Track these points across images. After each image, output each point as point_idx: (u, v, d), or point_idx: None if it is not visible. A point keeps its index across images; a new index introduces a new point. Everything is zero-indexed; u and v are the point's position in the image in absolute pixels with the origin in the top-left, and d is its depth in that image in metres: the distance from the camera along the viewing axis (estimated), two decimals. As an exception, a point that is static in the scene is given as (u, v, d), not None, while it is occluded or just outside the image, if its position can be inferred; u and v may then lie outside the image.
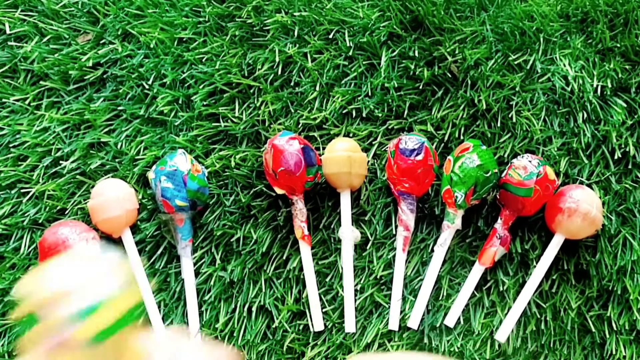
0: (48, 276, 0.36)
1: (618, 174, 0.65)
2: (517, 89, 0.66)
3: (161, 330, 0.59)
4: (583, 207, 0.60)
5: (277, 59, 0.68)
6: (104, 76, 0.70)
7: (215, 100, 0.68)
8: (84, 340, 0.34)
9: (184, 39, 0.70)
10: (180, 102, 0.68)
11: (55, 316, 0.34)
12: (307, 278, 0.64)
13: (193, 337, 0.63)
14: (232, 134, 0.68)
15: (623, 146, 0.65)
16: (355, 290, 0.64)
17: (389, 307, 0.64)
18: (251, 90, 0.68)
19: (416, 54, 0.67)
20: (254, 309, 0.64)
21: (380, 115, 0.67)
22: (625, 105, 0.65)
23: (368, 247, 0.65)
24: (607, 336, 0.62)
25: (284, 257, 0.65)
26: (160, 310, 0.64)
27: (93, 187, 0.65)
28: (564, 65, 0.66)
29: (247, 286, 0.64)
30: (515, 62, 0.67)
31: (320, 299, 0.64)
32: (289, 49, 0.68)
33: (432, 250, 0.64)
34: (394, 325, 0.63)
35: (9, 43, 0.71)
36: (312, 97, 0.68)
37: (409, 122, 0.67)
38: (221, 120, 0.68)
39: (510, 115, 0.66)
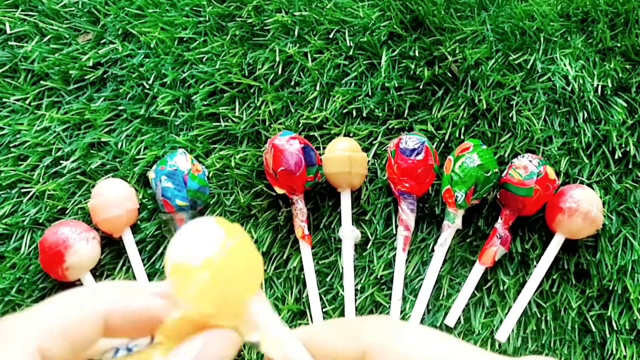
0: None
1: (618, 174, 0.65)
2: (517, 88, 0.66)
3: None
4: (583, 207, 0.60)
5: (277, 59, 0.68)
6: (105, 76, 0.70)
7: (215, 100, 0.68)
8: None
9: (185, 39, 0.70)
10: (180, 101, 0.68)
11: None
12: (308, 278, 0.64)
13: None
14: (233, 134, 0.68)
15: (623, 146, 0.65)
16: (356, 290, 0.64)
17: (389, 306, 0.64)
18: (251, 90, 0.68)
19: (416, 54, 0.67)
20: (254, 308, 0.64)
21: (380, 115, 0.67)
22: (625, 105, 0.65)
23: (368, 247, 0.65)
24: (608, 336, 0.62)
25: (284, 257, 0.65)
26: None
27: (93, 186, 0.65)
28: (565, 65, 0.66)
29: (248, 286, 0.64)
30: (516, 62, 0.67)
31: (321, 299, 0.64)
32: (289, 49, 0.68)
33: (433, 250, 0.64)
34: (394, 325, 0.63)
35: (9, 43, 0.71)
36: (313, 97, 0.68)
37: (410, 122, 0.67)
38: (221, 120, 0.68)
39: (510, 115, 0.66)
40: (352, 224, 0.65)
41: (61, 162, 0.67)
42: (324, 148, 0.66)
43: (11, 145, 0.68)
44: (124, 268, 0.65)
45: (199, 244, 0.28)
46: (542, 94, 0.66)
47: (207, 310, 0.28)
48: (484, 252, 0.63)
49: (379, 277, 0.64)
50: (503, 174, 0.63)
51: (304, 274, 0.64)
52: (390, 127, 0.67)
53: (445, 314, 0.63)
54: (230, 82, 0.68)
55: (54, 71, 0.69)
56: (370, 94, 0.67)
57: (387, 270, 0.64)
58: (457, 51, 0.67)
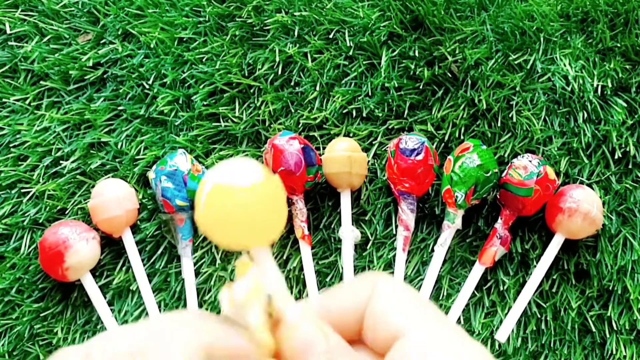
0: None
1: (618, 174, 0.65)
2: (517, 88, 0.66)
3: None
4: (583, 207, 0.60)
5: (277, 59, 0.68)
6: (104, 76, 0.70)
7: (215, 100, 0.68)
8: None
9: (184, 39, 0.70)
10: (180, 102, 0.68)
11: None
12: (308, 278, 0.64)
13: None
14: (232, 134, 0.68)
15: (623, 146, 0.65)
16: (356, 290, 0.64)
17: (389, 307, 0.64)
18: (251, 90, 0.68)
19: (416, 54, 0.67)
20: (254, 308, 0.64)
21: (380, 115, 0.67)
22: (625, 105, 0.65)
23: (368, 247, 0.65)
24: (608, 336, 0.62)
25: (284, 257, 0.65)
26: (160, 310, 0.64)
27: (93, 187, 0.66)
28: (564, 65, 0.66)
29: (248, 286, 0.64)
30: (516, 62, 0.67)
31: (321, 299, 0.64)
32: (289, 49, 0.68)
33: (433, 250, 0.64)
34: (394, 325, 0.63)
35: (9, 43, 0.71)
36: (312, 97, 0.68)
37: (409, 122, 0.67)
38: (221, 120, 0.68)
39: (510, 115, 0.66)
40: (352, 224, 0.65)
41: (61, 162, 0.67)
42: (324, 148, 0.66)
43: (11, 145, 0.68)
44: (124, 268, 0.65)
45: (243, 171, 0.30)
46: (542, 94, 0.66)
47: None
48: (484, 252, 0.63)
49: (379, 277, 0.64)
50: (503, 174, 0.63)
51: (304, 274, 0.64)
52: (390, 127, 0.67)
53: (446, 313, 0.63)
54: (230, 82, 0.68)
55: (53, 71, 0.69)
56: (370, 94, 0.67)
57: (387, 270, 0.64)
58: (457, 51, 0.67)
